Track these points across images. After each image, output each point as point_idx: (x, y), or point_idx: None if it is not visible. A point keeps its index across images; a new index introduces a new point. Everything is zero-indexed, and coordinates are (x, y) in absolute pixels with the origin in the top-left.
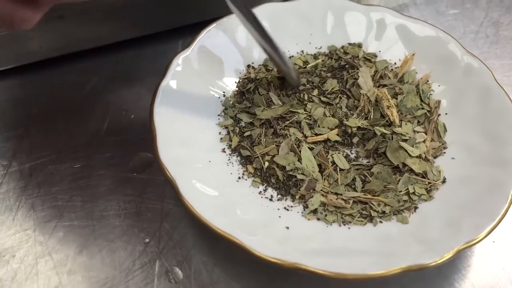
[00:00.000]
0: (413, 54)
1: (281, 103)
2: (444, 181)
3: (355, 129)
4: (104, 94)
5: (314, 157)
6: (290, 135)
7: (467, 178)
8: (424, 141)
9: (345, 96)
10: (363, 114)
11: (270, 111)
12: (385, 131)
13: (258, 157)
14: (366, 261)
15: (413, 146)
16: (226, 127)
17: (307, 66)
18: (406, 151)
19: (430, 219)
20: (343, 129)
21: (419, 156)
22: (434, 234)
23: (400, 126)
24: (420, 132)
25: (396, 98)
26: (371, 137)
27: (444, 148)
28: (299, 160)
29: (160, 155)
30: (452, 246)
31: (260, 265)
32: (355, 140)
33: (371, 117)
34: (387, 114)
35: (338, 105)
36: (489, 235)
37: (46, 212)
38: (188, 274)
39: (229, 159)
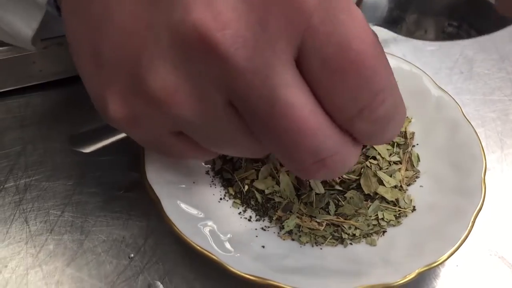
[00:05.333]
0: None
1: None
2: (414, 209)
3: None
4: (99, 116)
5: (292, 182)
6: (268, 161)
7: (433, 205)
8: (399, 170)
9: None
10: None
11: None
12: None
13: (237, 181)
14: (335, 279)
15: (391, 176)
16: None
17: None
18: (382, 180)
19: (397, 242)
20: None
21: (395, 186)
22: (399, 256)
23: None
24: (396, 161)
25: None
26: None
27: (417, 177)
28: (278, 183)
29: (148, 175)
30: (414, 268)
31: (236, 281)
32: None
33: None
34: None
35: None
36: (451, 258)
37: (38, 226)
38: None
39: (212, 181)
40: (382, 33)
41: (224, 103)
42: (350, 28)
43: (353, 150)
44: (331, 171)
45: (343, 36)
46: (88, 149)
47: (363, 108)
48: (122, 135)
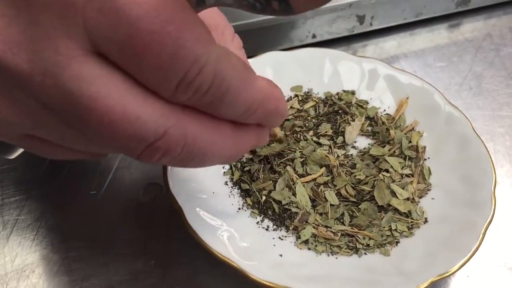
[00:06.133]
0: (407, 98)
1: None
2: (426, 221)
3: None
4: None
5: (308, 193)
6: (284, 172)
7: (444, 217)
8: (411, 183)
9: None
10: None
11: (268, 148)
12: (364, 188)
13: (255, 192)
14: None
15: (403, 189)
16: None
17: (303, 108)
18: (394, 192)
19: (410, 252)
20: (330, 169)
21: (407, 199)
22: (412, 266)
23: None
24: (408, 174)
25: (385, 146)
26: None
27: (429, 190)
28: (294, 194)
29: (170, 187)
30: (427, 278)
31: None
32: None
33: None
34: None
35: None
36: (462, 269)
37: (64, 233)
38: None
39: (231, 191)
40: (393, 49)
41: (41, 106)
42: (133, 10)
43: (204, 130)
44: (172, 154)
45: (128, 20)
46: (12, 155)
47: (178, 84)
48: None
